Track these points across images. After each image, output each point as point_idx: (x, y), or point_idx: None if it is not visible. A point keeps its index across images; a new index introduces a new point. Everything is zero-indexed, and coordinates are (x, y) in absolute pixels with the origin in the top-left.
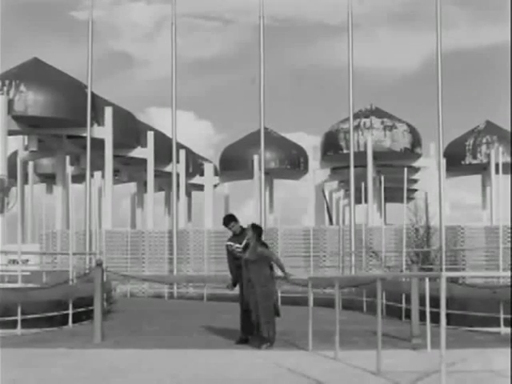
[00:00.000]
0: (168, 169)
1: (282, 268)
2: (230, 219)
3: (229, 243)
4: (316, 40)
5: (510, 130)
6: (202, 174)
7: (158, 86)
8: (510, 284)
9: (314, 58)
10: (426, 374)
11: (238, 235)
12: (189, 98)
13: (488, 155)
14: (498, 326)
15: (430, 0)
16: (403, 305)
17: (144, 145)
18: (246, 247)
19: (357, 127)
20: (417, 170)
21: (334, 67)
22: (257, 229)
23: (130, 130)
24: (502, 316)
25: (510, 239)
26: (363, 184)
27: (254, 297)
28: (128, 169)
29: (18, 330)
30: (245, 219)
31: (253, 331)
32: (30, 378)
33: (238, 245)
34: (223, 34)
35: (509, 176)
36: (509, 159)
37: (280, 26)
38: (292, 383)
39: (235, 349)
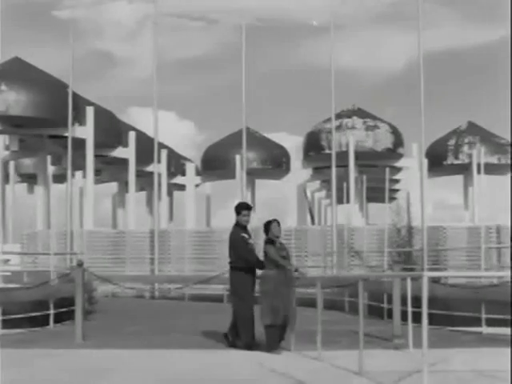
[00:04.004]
0: (150, 169)
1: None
2: (249, 207)
3: (244, 235)
4: (299, 40)
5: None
6: (183, 174)
7: (140, 85)
8: (494, 284)
9: (297, 58)
10: (408, 374)
11: (245, 228)
12: (171, 97)
13: (470, 155)
14: (480, 325)
15: (414, 0)
16: (385, 305)
17: (125, 145)
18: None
19: (339, 127)
20: (399, 170)
21: (317, 67)
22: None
23: (111, 130)
24: (483, 316)
25: (495, 239)
26: (345, 184)
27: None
28: (109, 169)
29: None
30: (226, 219)
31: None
32: (13, 379)
33: (251, 239)
34: (207, 34)
35: (491, 176)
36: (490, 160)
37: (263, 26)
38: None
39: (218, 349)
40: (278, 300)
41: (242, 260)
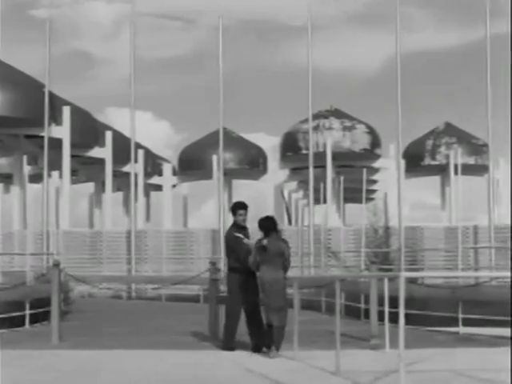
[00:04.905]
0: (126, 169)
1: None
2: (244, 206)
3: (238, 235)
4: (278, 40)
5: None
6: (160, 174)
7: (118, 85)
8: (470, 284)
9: (275, 59)
10: (385, 374)
11: (242, 228)
12: (148, 97)
13: (447, 156)
14: (457, 325)
15: (392, 1)
16: (362, 305)
17: (102, 145)
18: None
19: (316, 128)
20: (376, 170)
21: (294, 68)
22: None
23: (88, 130)
24: (460, 316)
25: (472, 239)
26: (322, 184)
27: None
28: (86, 169)
29: None
30: (204, 219)
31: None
32: None
33: (247, 240)
34: (185, 34)
35: (468, 177)
36: (467, 160)
37: (243, 27)
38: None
39: (196, 349)
40: (284, 301)
41: (238, 260)
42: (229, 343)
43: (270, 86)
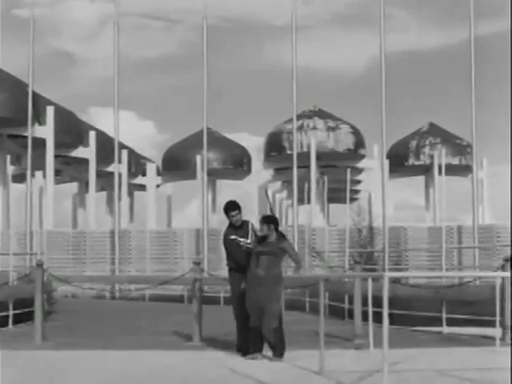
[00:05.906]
0: (110, 169)
1: (297, 262)
2: (235, 206)
3: (233, 237)
4: (262, 40)
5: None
6: (144, 174)
7: (101, 85)
8: (454, 284)
9: (260, 59)
10: (369, 374)
11: (238, 228)
12: (132, 97)
13: (431, 156)
14: (441, 325)
15: (376, 2)
16: (346, 305)
17: (86, 144)
18: (262, 240)
19: (300, 128)
20: (360, 170)
21: (279, 68)
22: (271, 218)
23: (71, 130)
24: (444, 315)
25: (455, 239)
26: (306, 185)
27: (259, 297)
28: (70, 168)
29: None
30: (187, 220)
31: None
32: None
33: (243, 239)
34: (169, 34)
35: (453, 177)
36: (451, 161)
37: (227, 27)
38: None
39: (180, 350)
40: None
41: (235, 262)
42: (241, 346)
43: (254, 86)
